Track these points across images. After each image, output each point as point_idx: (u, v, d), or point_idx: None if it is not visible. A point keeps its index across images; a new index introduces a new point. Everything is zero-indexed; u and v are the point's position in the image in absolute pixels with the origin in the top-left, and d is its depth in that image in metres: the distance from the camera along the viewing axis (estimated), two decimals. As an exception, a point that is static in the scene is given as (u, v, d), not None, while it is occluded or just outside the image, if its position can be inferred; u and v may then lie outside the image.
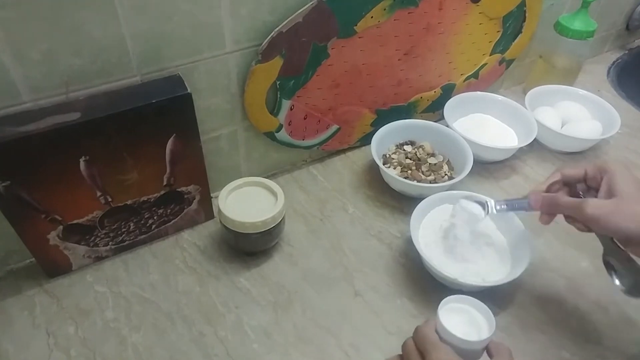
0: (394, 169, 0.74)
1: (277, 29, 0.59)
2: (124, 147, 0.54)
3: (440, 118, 0.82)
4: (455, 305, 0.49)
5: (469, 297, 0.49)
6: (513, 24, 0.82)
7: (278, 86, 0.64)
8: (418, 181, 0.70)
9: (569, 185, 0.55)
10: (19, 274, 0.61)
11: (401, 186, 0.71)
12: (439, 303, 0.48)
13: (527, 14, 0.81)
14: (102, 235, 0.60)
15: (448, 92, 0.84)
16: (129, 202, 0.59)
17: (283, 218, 0.62)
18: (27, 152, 0.48)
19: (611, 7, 1.00)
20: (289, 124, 0.70)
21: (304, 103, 0.69)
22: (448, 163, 0.76)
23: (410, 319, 0.58)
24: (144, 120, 0.53)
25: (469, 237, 0.62)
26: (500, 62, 0.87)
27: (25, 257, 0.61)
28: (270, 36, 0.59)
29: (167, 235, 0.66)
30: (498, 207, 0.58)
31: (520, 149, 0.79)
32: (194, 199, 0.65)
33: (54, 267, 0.60)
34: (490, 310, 0.48)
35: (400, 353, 0.47)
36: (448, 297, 0.49)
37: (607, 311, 0.60)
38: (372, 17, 0.65)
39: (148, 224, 0.63)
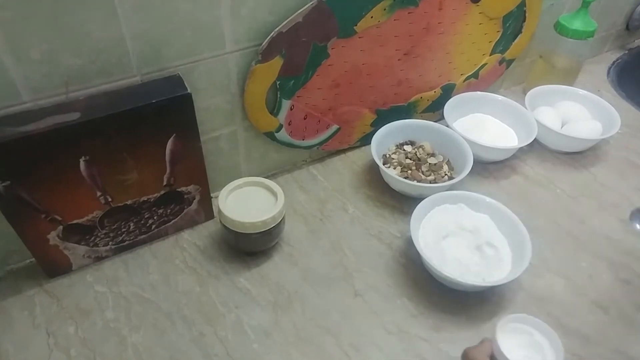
0: (394, 169, 0.74)
1: (277, 29, 0.59)
2: (124, 147, 0.54)
3: (440, 118, 0.82)
4: (514, 326, 0.45)
5: (529, 316, 0.45)
6: (513, 24, 0.82)
7: (278, 86, 0.64)
8: (418, 181, 0.70)
9: None
10: (19, 274, 0.61)
11: (401, 186, 0.71)
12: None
13: (527, 14, 0.81)
14: (102, 235, 0.60)
15: (448, 92, 0.84)
16: (129, 202, 0.59)
17: (283, 218, 0.62)
18: (27, 152, 0.48)
19: (611, 7, 1.00)
20: (289, 124, 0.70)
21: (304, 103, 0.68)
22: (448, 163, 0.76)
23: (410, 319, 0.58)
24: (144, 120, 0.53)
25: (469, 237, 0.62)
26: (500, 62, 0.87)
27: (25, 257, 0.61)
28: (270, 36, 0.59)
29: (167, 235, 0.66)
30: None
31: (520, 149, 0.79)
32: (194, 199, 0.65)
33: (54, 267, 0.60)
34: (556, 334, 0.44)
35: None
36: (507, 317, 0.44)
37: (607, 311, 0.60)
38: (372, 17, 0.65)
39: (148, 224, 0.63)
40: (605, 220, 0.71)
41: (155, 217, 0.63)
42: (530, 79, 0.96)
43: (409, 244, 0.64)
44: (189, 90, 0.54)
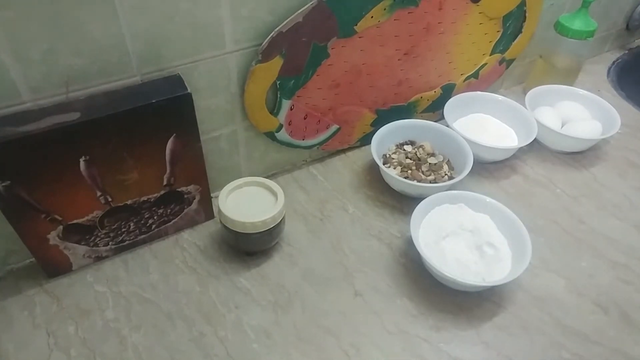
0: (394, 169, 0.74)
1: (277, 28, 0.59)
2: (124, 147, 0.54)
3: (440, 118, 0.82)
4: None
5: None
6: (513, 24, 0.82)
7: (278, 86, 0.64)
8: (418, 181, 0.70)
9: None
10: (19, 274, 0.61)
11: (401, 186, 0.71)
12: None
13: (527, 14, 0.81)
14: (102, 235, 0.60)
15: (448, 92, 0.84)
16: (129, 202, 0.59)
17: (283, 218, 0.62)
18: (27, 152, 0.48)
19: (611, 7, 1.00)
20: (289, 124, 0.70)
21: (304, 103, 0.69)
22: (448, 163, 0.76)
23: (410, 319, 0.58)
24: (144, 120, 0.53)
25: (469, 237, 0.62)
26: (500, 62, 0.87)
27: (25, 257, 0.61)
28: (270, 36, 0.59)
29: (167, 235, 0.66)
30: None
31: (520, 149, 0.79)
32: (194, 199, 0.65)
33: (54, 267, 0.60)
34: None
35: None
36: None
37: (607, 311, 0.60)
38: (372, 17, 0.65)
39: (148, 224, 0.63)
40: (605, 220, 0.71)
41: (155, 217, 0.63)
42: (530, 79, 0.96)
43: (409, 244, 0.64)
44: (189, 90, 0.54)
